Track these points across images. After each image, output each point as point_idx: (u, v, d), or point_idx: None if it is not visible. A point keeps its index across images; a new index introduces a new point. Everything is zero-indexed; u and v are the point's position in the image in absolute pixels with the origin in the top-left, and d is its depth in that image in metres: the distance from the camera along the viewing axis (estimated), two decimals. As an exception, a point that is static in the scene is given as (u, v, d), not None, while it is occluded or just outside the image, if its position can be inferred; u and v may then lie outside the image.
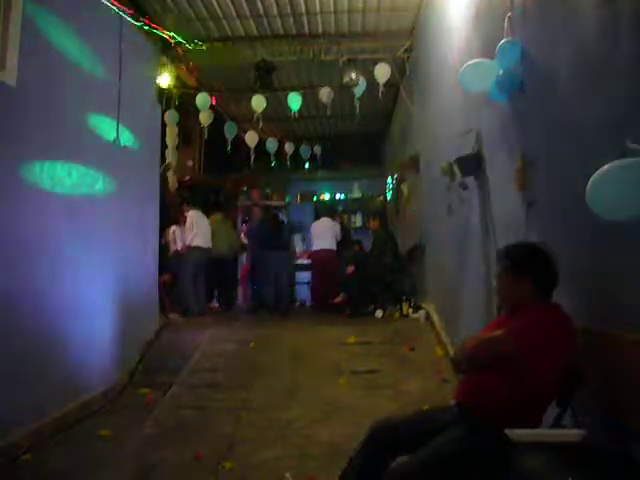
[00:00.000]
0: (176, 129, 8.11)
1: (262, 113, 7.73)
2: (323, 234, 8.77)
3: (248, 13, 6.70)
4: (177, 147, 8.50)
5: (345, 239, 9.41)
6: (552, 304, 2.32)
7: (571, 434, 2.02)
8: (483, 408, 2.28)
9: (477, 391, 2.37)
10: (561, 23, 2.55)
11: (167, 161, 8.30)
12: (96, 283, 5.06)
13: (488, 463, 2.14)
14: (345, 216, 12.18)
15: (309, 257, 9.35)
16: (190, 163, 10.61)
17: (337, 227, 9.01)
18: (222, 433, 4.10)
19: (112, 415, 4.75)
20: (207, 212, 8.58)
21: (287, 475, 3.34)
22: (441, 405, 2.65)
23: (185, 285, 7.81)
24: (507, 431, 1.99)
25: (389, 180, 10.98)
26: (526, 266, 2.37)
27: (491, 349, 2.31)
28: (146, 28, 6.15)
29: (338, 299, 8.31)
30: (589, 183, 1.83)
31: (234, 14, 6.72)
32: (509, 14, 3.21)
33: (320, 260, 8.75)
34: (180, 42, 6.69)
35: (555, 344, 2.17)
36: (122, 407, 4.98)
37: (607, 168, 1.80)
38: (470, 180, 4.26)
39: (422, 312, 6.81)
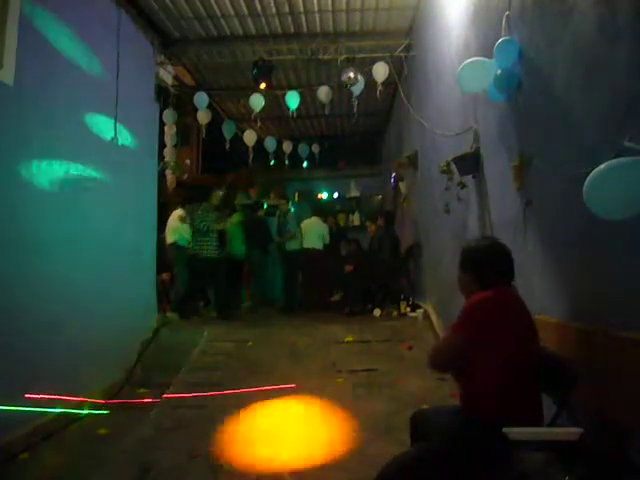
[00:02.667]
0: (174, 128, 8.11)
1: (260, 112, 7.73)
2: (311, 233, 8.75)
3: (246, 12, 6.70)
4: (175, 146, 8.51)
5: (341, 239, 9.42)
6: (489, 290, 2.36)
7: (568, 432, 2.02)
8: (473, 410, 2.33)
9: (464, 394, 2.45)
10: (559, 22, 2.55)
11: (165, 160, 8.31)
12: (94, 280, 5.05)
13: (484, 463, 2.15)
14: (342, 215, 12.15)
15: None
16: (188, 162, 10.63)
17: (325, 227, 8.95)
18: (220, 432, 4.10)
19: (110, 414, 4.74)
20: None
21: (286, 475, 3.34)
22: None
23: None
24: (505, 430, 1.99)
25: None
26: (466, 261, 2.53)
27: (444, 354, 2.45)
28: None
29: (335, 297, 8.32)
30: (586, 182, 1.83)
31: (232, 13, 6.71)
32: (507, 13, 3.21)
33: (308, 259, 8.74)
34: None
35: (490, 322, 2.24)
36: (120, 406, 4.98)
37: (604, 167, 1.80)
38: (468, 179, 4.26)
39: (420, 311, 6.82)
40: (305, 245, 8.66)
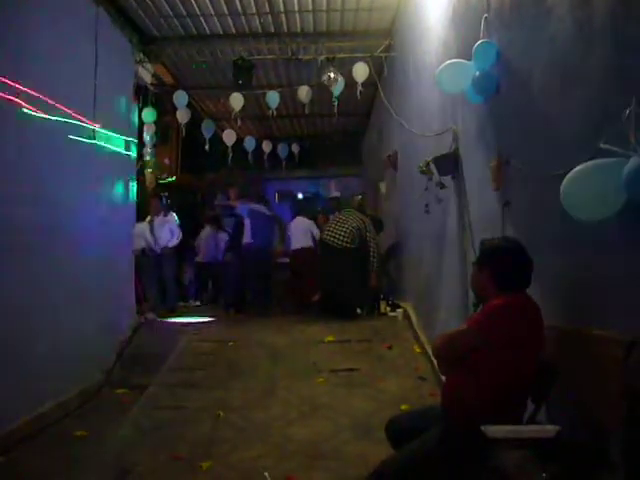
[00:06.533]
0: (153, 127, 8.04)
1: (240, 111, 7.71)
2: (299, 233, 8.70)
3: (226, 11, 6.66)
4: (154, 145, 8.44)
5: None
6: (512, 294, 2.31)
7: (545, 430, 2.05)
8: (459, 408, 2.32)
9: (453, 392, 2.43)
10: (536, 24, 2.59)
11: (144, 159, 8.24)
12: (70, 280, 4.97)
13: (463, 460, 2.17)
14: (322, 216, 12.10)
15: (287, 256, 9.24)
16: (167, 161, 10.55)
17: (313, 226, 8.92)
18: (200, 433, 4.07)
19: (88, 416, 4.68)
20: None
21: (266, 474, 3.33)
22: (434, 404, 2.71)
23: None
24: (482, 428, 2.01)
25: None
26: (486, 259, 2.46)
27: (454, 344, 2.40)
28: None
29: (315, 297, 8.30)
30: (563, 184, 1.86)
31: (212, 12, 6.68)
32: (485, 15, 3.24)
33: (298, 258, 8.69)
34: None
35: (511, 329, 2.21)
36: (98, 407, 4.92)
37: (580, 169, 1.83)
38: (447, 179, 4.29)
39: (400, 311, 6.84)
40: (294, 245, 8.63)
